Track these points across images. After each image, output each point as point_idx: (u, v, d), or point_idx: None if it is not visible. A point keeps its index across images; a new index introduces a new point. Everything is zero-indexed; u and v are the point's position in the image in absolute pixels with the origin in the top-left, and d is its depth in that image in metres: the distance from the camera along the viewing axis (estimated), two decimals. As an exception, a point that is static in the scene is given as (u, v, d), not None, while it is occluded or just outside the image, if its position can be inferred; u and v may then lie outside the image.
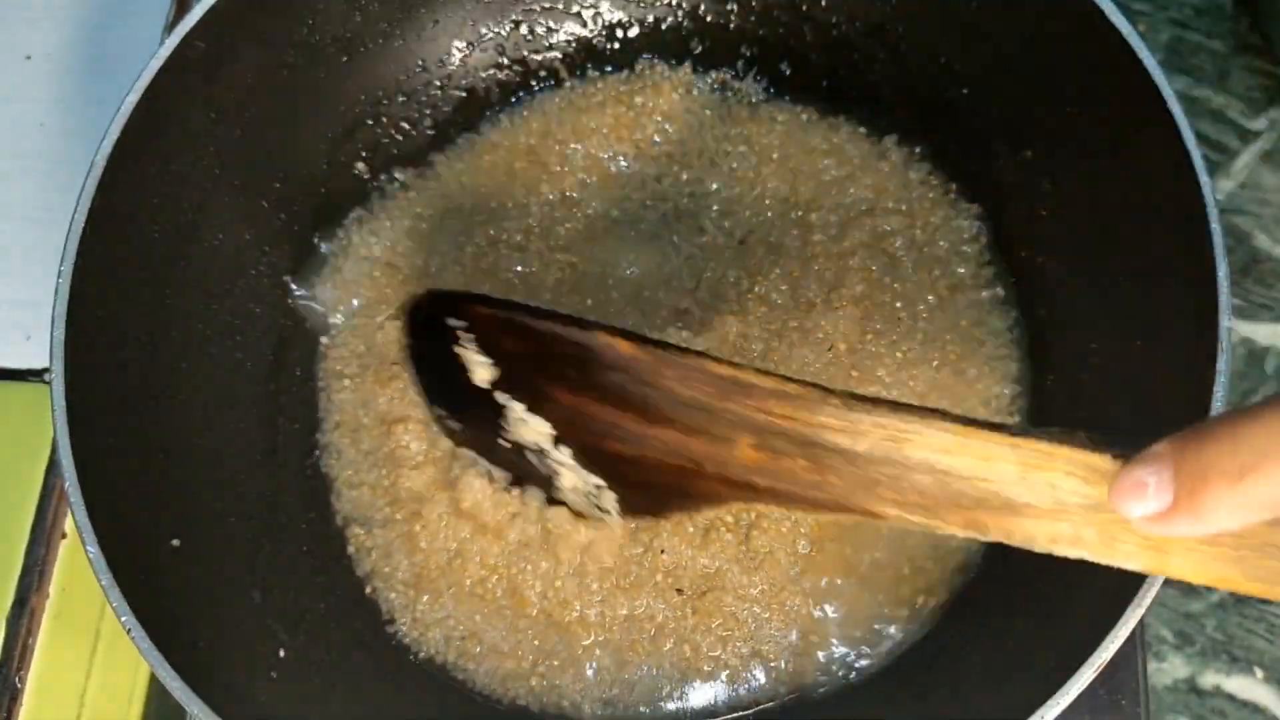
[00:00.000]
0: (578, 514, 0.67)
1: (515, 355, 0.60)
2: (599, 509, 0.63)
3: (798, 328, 0.73)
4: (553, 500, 0.67)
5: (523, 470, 0.66)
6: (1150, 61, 0.61)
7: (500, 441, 0.64)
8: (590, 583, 0.68)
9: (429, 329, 0.65)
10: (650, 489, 0.57)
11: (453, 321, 0.62)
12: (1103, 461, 0.41)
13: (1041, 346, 0.73)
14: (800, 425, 0.47)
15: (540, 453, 0.63)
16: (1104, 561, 0.43)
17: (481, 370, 0.62)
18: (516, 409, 0.61)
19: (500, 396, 0.62)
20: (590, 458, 0.60)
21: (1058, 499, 0.43)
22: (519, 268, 0.76)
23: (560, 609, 0.69)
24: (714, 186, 0.79)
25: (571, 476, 0.62)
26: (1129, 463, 0.40)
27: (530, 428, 0.61)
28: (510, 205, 0.79)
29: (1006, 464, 0.43)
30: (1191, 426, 0.38)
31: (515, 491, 0.70)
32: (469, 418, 0.67)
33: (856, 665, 0.68)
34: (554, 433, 0.60)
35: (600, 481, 0.61)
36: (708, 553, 0.68)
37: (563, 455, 0.61)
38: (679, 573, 0.68)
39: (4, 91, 0.92)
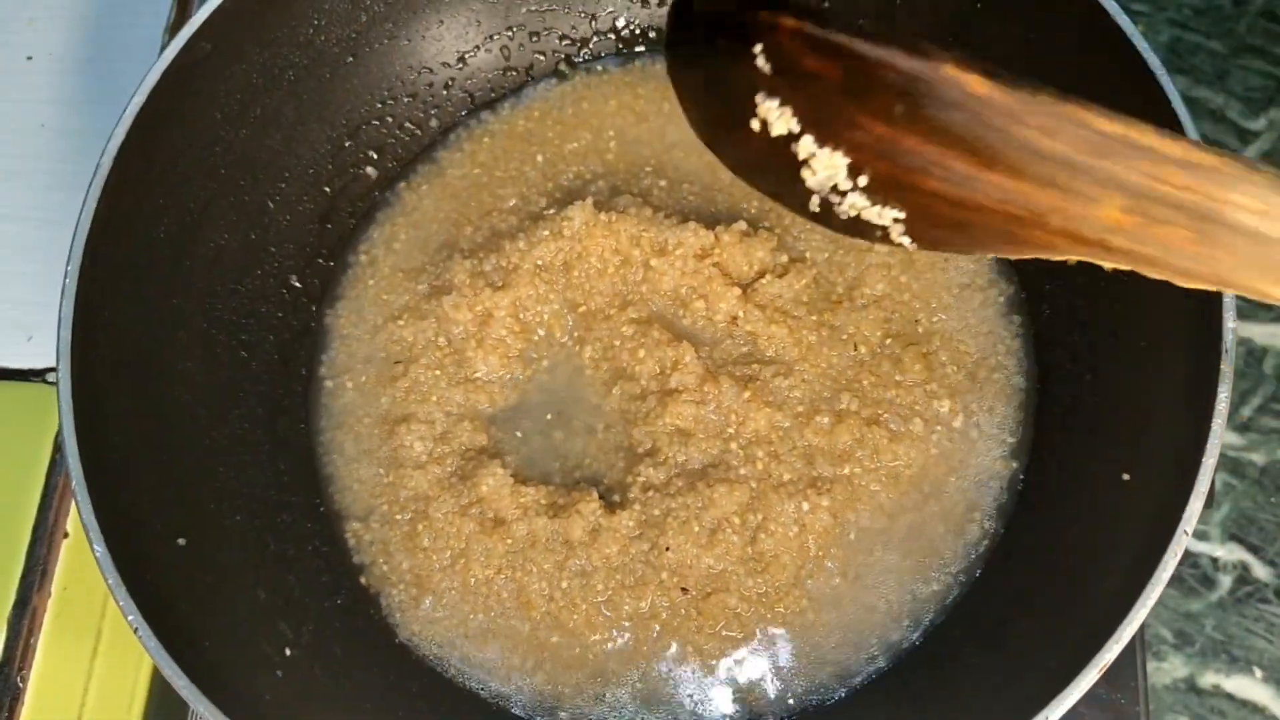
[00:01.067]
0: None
1: (820, 78, 0.53)
2: (888, 240, 0.55)
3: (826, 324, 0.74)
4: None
5: (798, 201, 0.57)
6: (1154, 61, 0.62)
7: (777, 167, 0.56)
8: (596, 583, 0.68)
9: (708, 39, 0.58)
10: (963, 227, 0.51)
11: (753, 47, 0.54)
12: None
13: (1047, 345, 0.73)
14: (1199, 197, 0.44)
15: (828, 190, 0.55)
16: None
17: (773, 113, 0.54)
18: (806, 142, 0.54)
19: (786, 124, 0.54)
20: (893, 191, 0.52)
21: None
22: (538, 262, 0.76)
23: (566, 611, 0.69)
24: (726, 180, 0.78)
25: (862, 210, 0.54)
26: None
27: (823, 161, 0.54)
28: (514, 201, 0.79)
29: None
30: None
31: (525, 489, 0.70)
32: (743, 150, 0.59)
33: (862, 668, 0.68)
34: (849, 161, 0.53)
35: (900, 215, 0.53)
36: (713, 553, 0.68)
37: (855, 186, 0.54)
38: (684, 572, 0.68)
39: (5, 92, 0.92)
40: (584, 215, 0.74)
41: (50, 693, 0.74)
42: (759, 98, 0.54)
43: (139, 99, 0.64)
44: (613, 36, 0.83)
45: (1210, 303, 0.58)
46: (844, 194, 0.54)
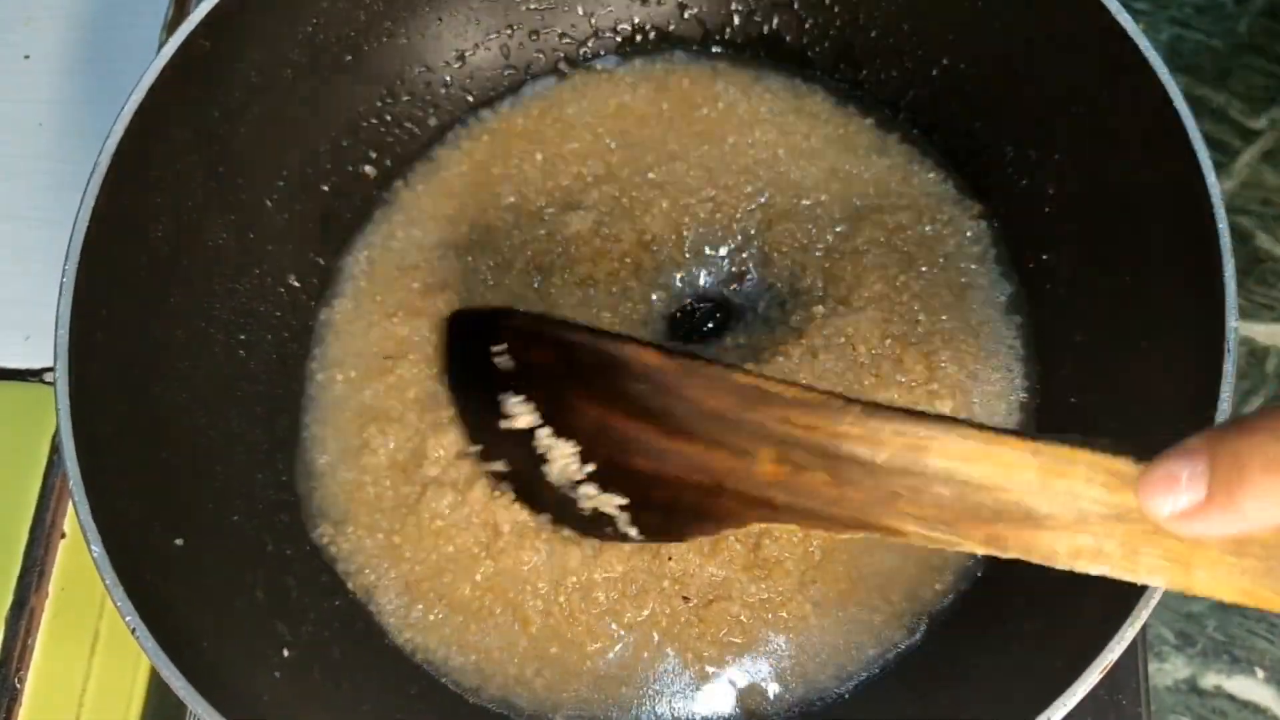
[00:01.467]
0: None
1: (544, 367, 0.60)
2: (620, 534, 0.62)
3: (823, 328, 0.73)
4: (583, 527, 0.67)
5: (547, 501, 0.65)
6: (1156, 60, 0.62)
7: (529, 469, 0.64)
8: (597, 593, 0.68)
9: (465, 353, 0.67)
10: (670, 510, 0.56)
11: (493, 347, 0.63)
12: (1125, 466, 0.40)
13: (1048, 346, 0.73)
14: (821, 435, 0.47)
15: (568, 482, 0.62)
16: (1126, 577, 0.42)
17: (518, 409, 0.62)
18: (543, 434, 0.61)
19: (527, 419, 0.62)
20: (613, 476, 0.59)
21: (1079, 509, 0.42)
22: (522, 261, 0.76)
23: (564, 624, 0.68)
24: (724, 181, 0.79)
25: (594, 499, 0.62)
26: (1160, 456, 0.38)
27: (558, 451, 0.61)
28: (514, 199, 0.79)
29: (1027, 471, 0.42)
30: (1225, 421, 0.37)
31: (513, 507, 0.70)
32: (504, 450, 0.67)
33: (865, 671, 0.68)
34: (579, 449, 0.60)
35: (623, 501, 0.60)
36: (716, 560, 0.68)
37: (586, 478, 0.61)
38: (686, 580, 0.68)
39: (3, 92, 0.92)
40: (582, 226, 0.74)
41: (48, 693, 0.74)
42: (504, 395, 0.63)
43: (137, 97, 0.64)
44: (613, 36, 0.83)
45: (1212, 303, 0.58)
46: (578, 485, 0.61)
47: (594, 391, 0.57)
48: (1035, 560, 0.44)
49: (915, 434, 0.45)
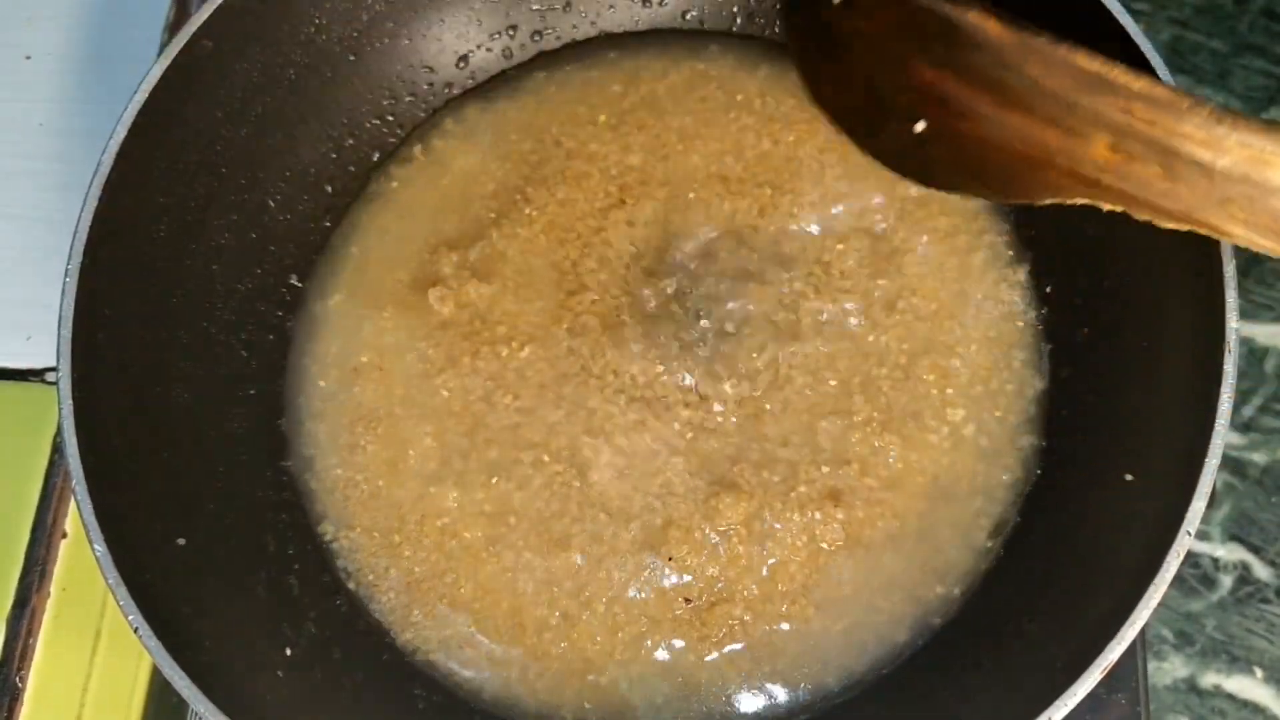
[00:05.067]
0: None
1: (887, 25, 0.60)
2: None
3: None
4: None
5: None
6: (1157, 60, 0.62)
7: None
8: (599, 596, 0.68)
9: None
10: (1000, 169, 0.56)
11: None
12: None
13: (1051, 348, 0.73)
14: (1160, 131, 0.47)
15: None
16: None
17: None
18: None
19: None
20: (944, 139, 0.59)
21: None
22: (528, 258, 0.77)
23: (567, 623, 0.68)
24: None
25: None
26: None
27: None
28: (517, 199, 0.79)
29: None
30: None
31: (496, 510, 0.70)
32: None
33: (865, 671, 0.68)
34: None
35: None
36: (718, 563, 0.68)
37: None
38: (688, 583, 0.68)
39: (4, 91, 0.92)
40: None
41: (49, 692, 0.74)
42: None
43: (139, 98, 0.64)
44: (614, 37, 0.83)
45: (1212, 303, 0.59)
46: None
47: (930, 54, 0.57)
48: None
49: (1262, 148, 0.44)
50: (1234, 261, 0.58)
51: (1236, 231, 0.46)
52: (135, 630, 0.56)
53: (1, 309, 0.85)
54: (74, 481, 0.58)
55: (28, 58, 0.93)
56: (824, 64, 0.67)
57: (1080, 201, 0.52)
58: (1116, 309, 0.68)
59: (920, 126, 0.59)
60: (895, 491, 0.70)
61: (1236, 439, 0.82)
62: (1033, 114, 0.52)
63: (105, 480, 0.59)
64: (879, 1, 0.60)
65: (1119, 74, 0.49)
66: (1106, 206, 0.50)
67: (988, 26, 0.53)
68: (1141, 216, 0.49)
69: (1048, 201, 0.53)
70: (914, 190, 0.74)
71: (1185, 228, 0.48)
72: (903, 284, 0.74)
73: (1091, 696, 0.55)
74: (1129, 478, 0.63)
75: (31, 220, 0.88)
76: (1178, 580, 0.61)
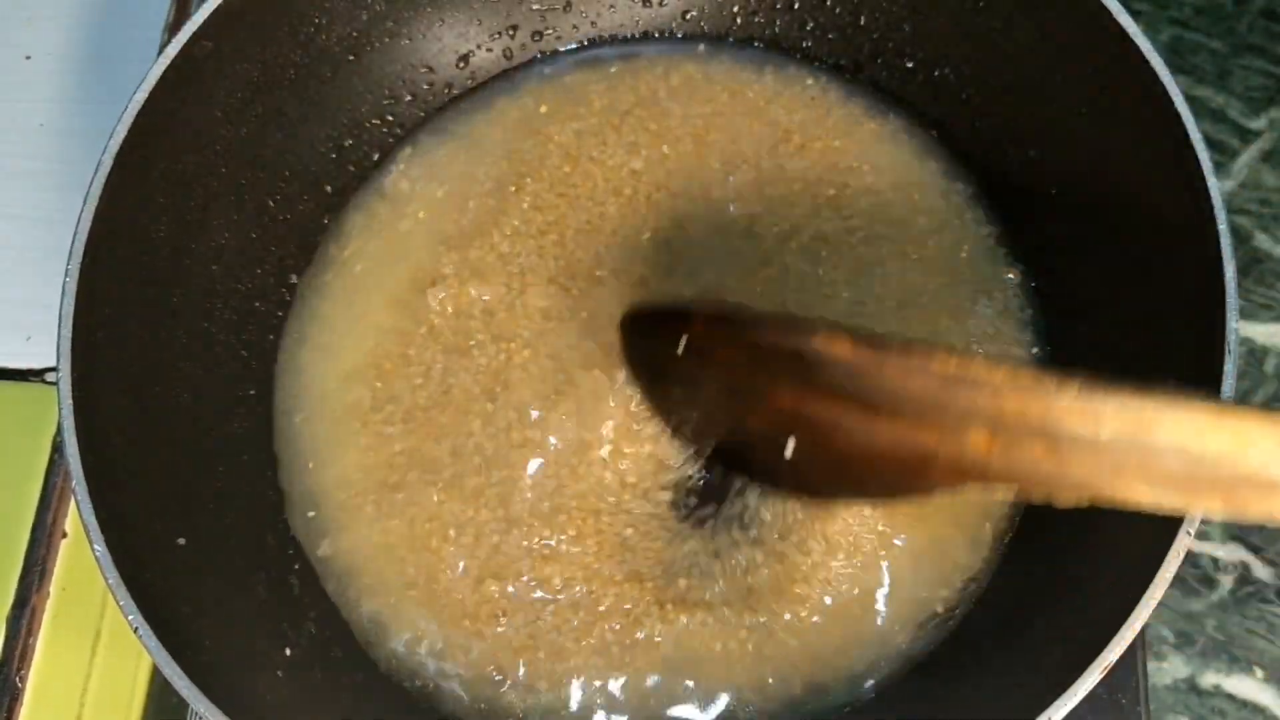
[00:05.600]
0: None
1: (736, 361, 0.60)
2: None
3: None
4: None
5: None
6: (1157, 61, 0.62)
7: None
8: (601, 599, 0.68)
9: (646, 351, 0.67)
10: (883, 475, 0.55)
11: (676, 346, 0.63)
12: None
13: (1050, 347, 0.73)
14: (1035, 416, 0.46)
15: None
16: None
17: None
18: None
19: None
20: (818, 457, 0.58)
21: None
22: (527, 258, 0.77)
23: (567, 626, 0.69)
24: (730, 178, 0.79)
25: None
26: None
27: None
28: (517, 199, 0.79)
29: (1266, 440, 0.42)
30: None
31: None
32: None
33: (867, 673, 0.68)
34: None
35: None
36: (719, 563, 0.69)
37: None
38: (688, 582, 0.69)
39: (4, 92, 0.92)
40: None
41: (49, 692, 0.74)
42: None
43: (140, 97, 0.64)
44: (615, 37, 0.83)
45: (1212, 303, 0.58)
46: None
47: (787, 381, 0.56)
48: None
49: (1139, 411, 0.44)
50: (1234, 261, 0.58)
51: (1142, 494, 0.45)
52: (135, 630, 0.55)
53: (1, 309, 0.85)
54: (74, 481, 0.58)
55: (28, 58, 0.93)
56: (678, 404, 0.66)
57: (974, 490, 0.51)
58: (1116, 309, 0.68)
59: (790, 449, 0.57)
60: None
61: (1236, 439, 0.82)
62: (903, 419, 0.51)
63: (105, 480, 0.58)
64: (723, 341, 0.60)
65: (979, 369, 0.48)
66: (1001, 493, 0.49)
67: (837, 348, 0.52)
68: (1039, 497, 0.48)
69: (939, 496, 0.52)
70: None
71: (1087, 501, 0.47)
72: (900, 283, 0.74)
73: (1091, 696, 0.54)
74: (1129, 478, 0.63)
75: (31, 220, 0.88)
76: (1178, 580, 0.61)
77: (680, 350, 0.61)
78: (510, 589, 0.69)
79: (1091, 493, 0.46)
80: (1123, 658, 0.55)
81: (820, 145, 0.79)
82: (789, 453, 0.57)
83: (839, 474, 0.57)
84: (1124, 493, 0.45)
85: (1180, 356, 0.62)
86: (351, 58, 0.76)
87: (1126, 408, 0.44)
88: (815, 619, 0.69)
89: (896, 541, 0.69)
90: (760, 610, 0.69)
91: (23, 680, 0.74)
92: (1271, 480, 0.42)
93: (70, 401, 0.59)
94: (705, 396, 0.63)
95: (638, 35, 0.83)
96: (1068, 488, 0.47)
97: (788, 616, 0.68)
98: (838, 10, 0.79)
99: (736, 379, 0.59)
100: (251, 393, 0.73)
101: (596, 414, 0.71)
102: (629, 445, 0.71)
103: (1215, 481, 0.43)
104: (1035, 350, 0.73)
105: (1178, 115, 0.61)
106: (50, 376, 0.81)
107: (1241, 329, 0.81)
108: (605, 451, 0.71)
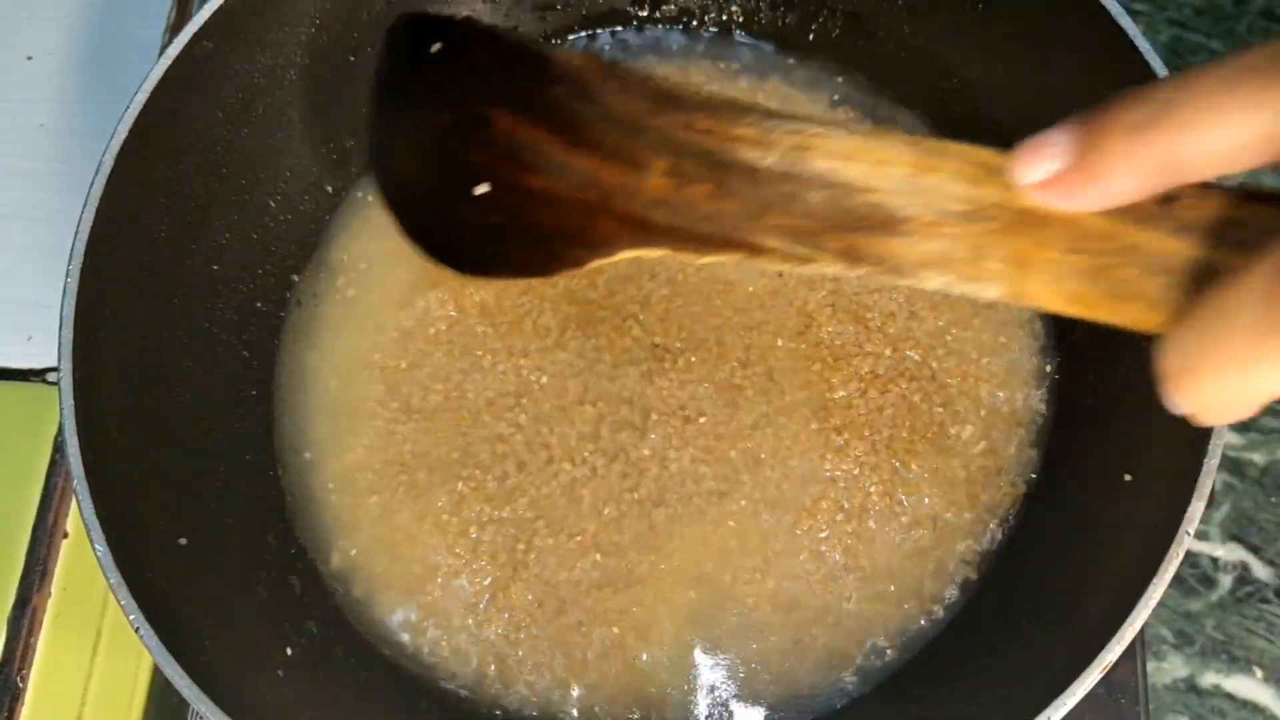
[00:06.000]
0: None
1: (477, 70, 0.61)
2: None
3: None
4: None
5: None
6: (1156, 61, 0.62)
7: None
8: (604, 600, 0.69)
9: (397, 60, 0.65)
10: (548, 234, 0.56)
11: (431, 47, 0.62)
12: (995, 158, 0.41)
13: (1048, 345, 0.73)
14: (716, 140, 0.48)
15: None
16: (963, 287, 0.42)
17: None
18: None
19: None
20: (503, 201, 0.59)
21: (940, 208, 0.43)
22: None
23: (566, 626, 0.69)
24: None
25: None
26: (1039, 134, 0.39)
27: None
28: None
29: (901, 166, 0.43)
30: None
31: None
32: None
33: (866, 672, 0.68)
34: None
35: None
36: (721, 565, 0.69)
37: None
38: (688, 580, 0.69)
39: (4, 91, 0.92)
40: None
41: (50, 692, 0.74)
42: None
43: (140, 98, 0.64)
44: (616, 37, 0.83)
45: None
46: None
47: (512, 100, 0.57)
48: (882, 276, 0.44)
49: (805, 132, 0.46)
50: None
51: (772, 244, 0.46)
52: (136, 630, 0.55)
53: (1, 309, 0.85)
54: (75, 481, 0.58)
55: (28, 58, 0.93)
56: (397, 126, 0.65)
57: (622, 256, 0.53)
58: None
59: (483, 188, 0.58)
60: (904, 501, 0.70)
61: (1235, 439, 0.82)
62: (599, 149, 0.53)
63: (106, 480, 0.58)
64: (475, 46, 0.61)
65: (688, 91, 0.50)
66: (649, 253, 0.51)
67: (575, 58, 0.55)
68: (686, 256, 0.50)
69: (591, 264, 0.54)
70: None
71: (721, 256, 0.49)
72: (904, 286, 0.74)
73: (1091, 696, 0.55)
74: (1128, 478, 0.63)
75: (32, 220, 0.88)
76: (1177, 580, 0.61)
77: (431, 54, 0.62)
78: (513, 588, 0.69)
79: (731, 244, 0.47)
80: (1122, 658, 0.55)
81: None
82: (480, 190, 0.58)
83: (512, 227, 0.58)
84: (759, 239, 0.46)
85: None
86: (352, 58, 0.76)
87: (795, 130, 0.46)
88: (810, 616, 0.69)
89: (902, 546, 0.70)
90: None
91: (23, 680, 0.74)
92: (889, 215, 0.43)
93: (71, 401, 0.59)
94: (432, 118, 0.62)
95: (639, 36, 0.83)
96: (712, 239, 0.48)
97: (786, 616, 0.69)
98: (837, 13, 0.79)
99: (469, 94, 0.60)
100: (253, 393, 0.73)
101: (611, 410, 0.72)
102: (645, 445, 0.71)
103: (842, 221, 0.44)
104: (1029, 351, 0.73)
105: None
106: (51, 376, 0.81)
107: (1241, 329, 0.81)
108: (623, 449, 0.71)
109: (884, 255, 0.44)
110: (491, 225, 0.59)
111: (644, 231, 0.51)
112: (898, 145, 0.44)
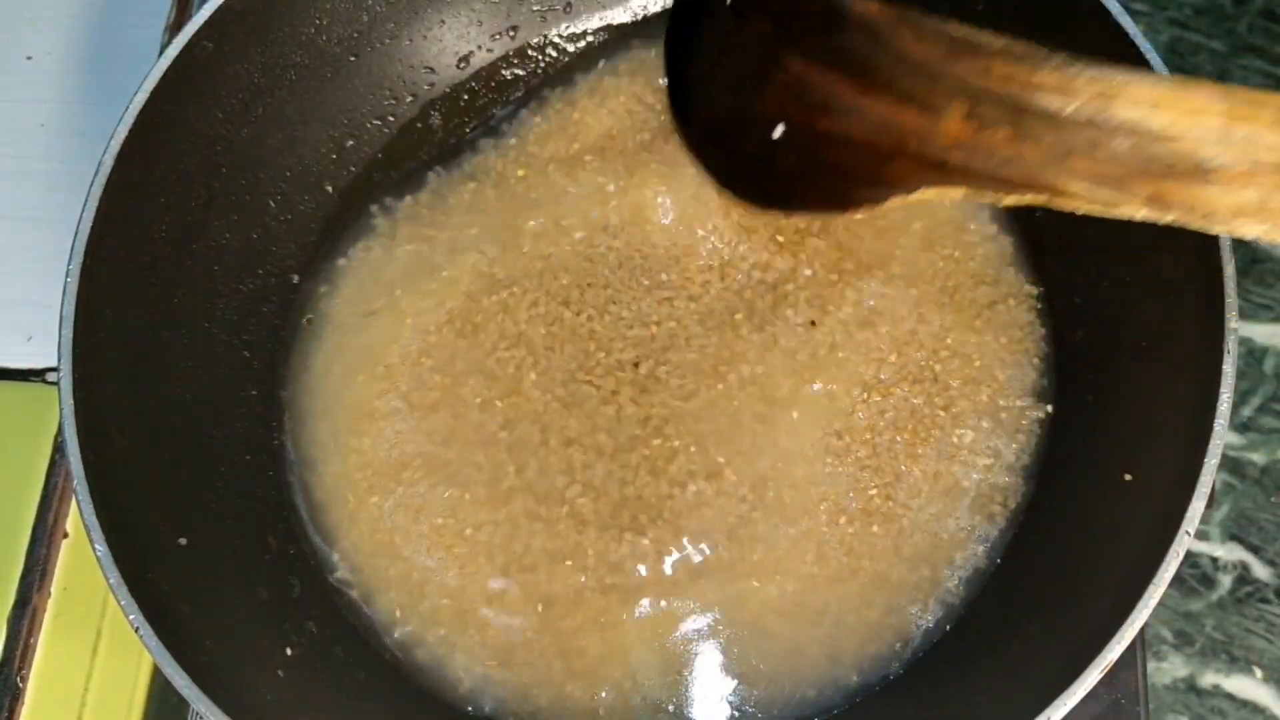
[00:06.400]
0: None
1: (769, 20, 0.62)
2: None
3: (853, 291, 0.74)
4: None
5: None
6: (1156, 61, 0.62)
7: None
8: (606, 600, 0.69)
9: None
10: (845, 173, 0.58)
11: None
12: None
13: (1049, 346, 0.73)
14: (1016, 86, 0.49)
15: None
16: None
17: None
18: None
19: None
20: (798, 143, 0.61)
21: (1254, 159, 0.43)
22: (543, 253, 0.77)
23: (563, 628, 0.68)
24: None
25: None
26: None
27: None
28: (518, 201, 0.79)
29: (1213, 117, 0.43)
30: None
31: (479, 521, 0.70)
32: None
33: (866, 672, 0.68)
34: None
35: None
36: (721, 563, 0.69)
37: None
38: (687, 580, 0.69)
39: (5, 92, 0.92)
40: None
41: (50, 693, 0.74)
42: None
43: (140, 98, 0.64)
44: (616, 38, 0.83)
45: (1212, 303, 0.59)
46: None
47: (805, 46, 0.59)
48: (1194, 222, 0.44)
49: (1109, 80, 0.46)
50: (1234, 261, 0.59)
51: (1076, 187, 0.47)
52: (136, 630, 0.56)
53: (2, 309, 0.85)
54: (75, 481, 0.58)
55: (29, 59, 0.93)
56: (695, 77, 0.70)
57: (920, 195, 0.54)
58: (1115, 309, 0.68)
59: (779, 130, 0.61)
60: (905, 503, 0.70)
61: (1236, 439, 0.82)
62: (892, 93, 0.54)
63: (106, 480, 0.59)
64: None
65: (984, 36, 0.51)
66: (948, 193, 0.52)
67: (870, 6, 0.55)
68: (984, 196, 0.51)
69: (888, 203, 0.55)
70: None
71: (1026, 199, 0.49)
72: (903, 285, 0.74)
73: (1091, 696, 0.55)
74: (1128, 478, 0.63)
75: (32, 220, 0.88)
76: (1177, 580, 0.61)
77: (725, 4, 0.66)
78: (514, 587, 0.69)
79: (1034, 186, 0.48)
80: (1122, 657, 0.55)
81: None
82: (778, 132, 0.61)
83: (809, 167, 0.60)
84: (1064, 183, 0.47)
85: (1180, 356, 0.62)
86: (352, 58, 0.76)
87: (1098, 77, 0.46)
88: (810, 616, 0.69)
89: (900, 548, 0.70)
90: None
91: (24, 680, 0.74)
92: (1199, 164, 0.44)
93: (71, 401, 0.59)
94: (729, 66, 0.66)
95: (639, 36, 0.83)
96: (1013, 181, 0.49)
97: (786, 616, 0.69)
98: None
99: (762, 43, 0.62)
100: (253, 393, 0.73)
101: (610, 414, 0.72)
102: (643, 448, 0.71)
103: (1149, 168, 0.45)
104: (1029, 352, 0.73)
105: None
106: (51, 377, 0.81)
107: (1241, 329, 0.81)
108: (620, 452, 0.71)
109: (1194, 203, 0.44)
110: (791, 165, 0.61)
111: (941, 171, 0.52)
112: (1210, 93, 0.44)
